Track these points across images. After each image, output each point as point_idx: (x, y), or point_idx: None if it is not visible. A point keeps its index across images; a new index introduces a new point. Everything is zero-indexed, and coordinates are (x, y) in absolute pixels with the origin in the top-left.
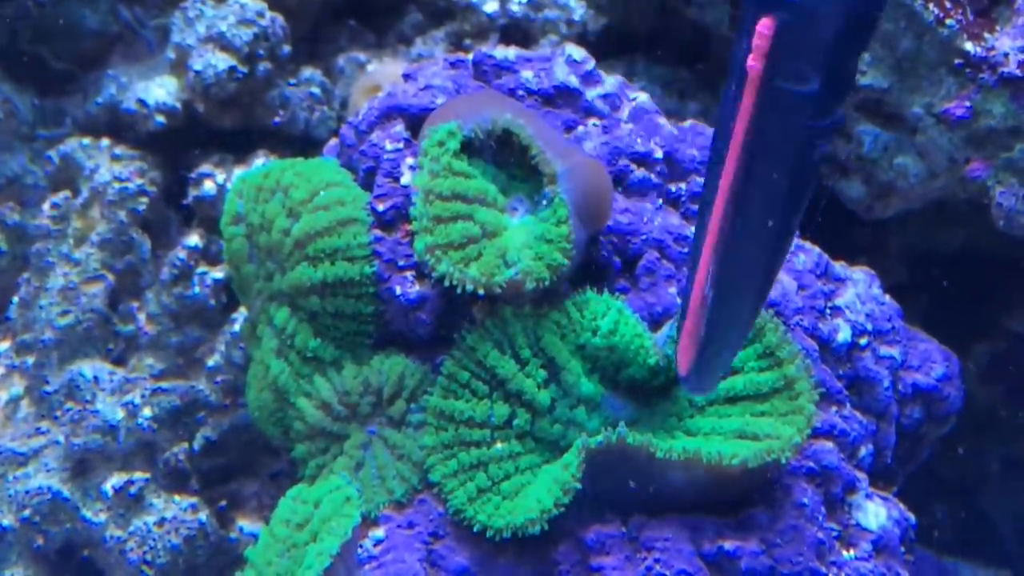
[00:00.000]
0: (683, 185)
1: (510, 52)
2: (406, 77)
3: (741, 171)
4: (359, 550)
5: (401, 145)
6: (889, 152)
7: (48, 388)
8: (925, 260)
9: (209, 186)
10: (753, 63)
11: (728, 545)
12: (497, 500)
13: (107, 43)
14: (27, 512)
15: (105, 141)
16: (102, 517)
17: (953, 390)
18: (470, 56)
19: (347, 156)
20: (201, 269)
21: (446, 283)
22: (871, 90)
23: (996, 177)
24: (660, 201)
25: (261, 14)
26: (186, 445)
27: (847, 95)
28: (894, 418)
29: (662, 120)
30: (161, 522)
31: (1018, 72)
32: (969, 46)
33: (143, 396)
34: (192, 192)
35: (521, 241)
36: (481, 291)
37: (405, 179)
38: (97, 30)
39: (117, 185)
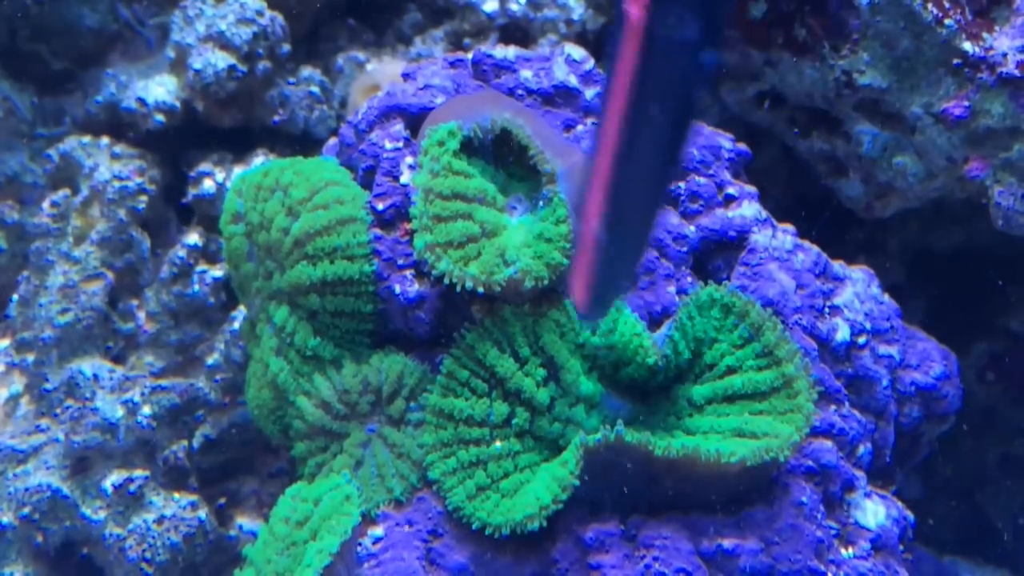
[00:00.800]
0: (682, 184)
1: (509, 51)
2: (405, 76)
3: (626, 115)
4: (358, 548)
5: (400, 144)
6: (888, 152)
7: (48, 386)
8: (924, 259)
9: (208, 185)
10: (633, 10)
11: (727, 543)
12: (496, 498)
13: (106, 42)
14: (27, 510)
15: (104, 140)
16: (101, 515)
17: (952, 389)
18: (469, 55)
19: (346, 155)
20: (200, 267)
21: (446, 281)
22: (870, 89)
23: (995, 177)
24: None
25: (261, 13)
26: (185, 443)
27: (722, 37)
28: (893, 417)
29: None
30: (160, 520)
31: (1016, 72)
32: (968, 46)
33: (142, 394)
34: (191, 191)
35: (520, 240)
36: (480, 289)
37: (404, 178)
38: (96, 28)
39: (117, 184)
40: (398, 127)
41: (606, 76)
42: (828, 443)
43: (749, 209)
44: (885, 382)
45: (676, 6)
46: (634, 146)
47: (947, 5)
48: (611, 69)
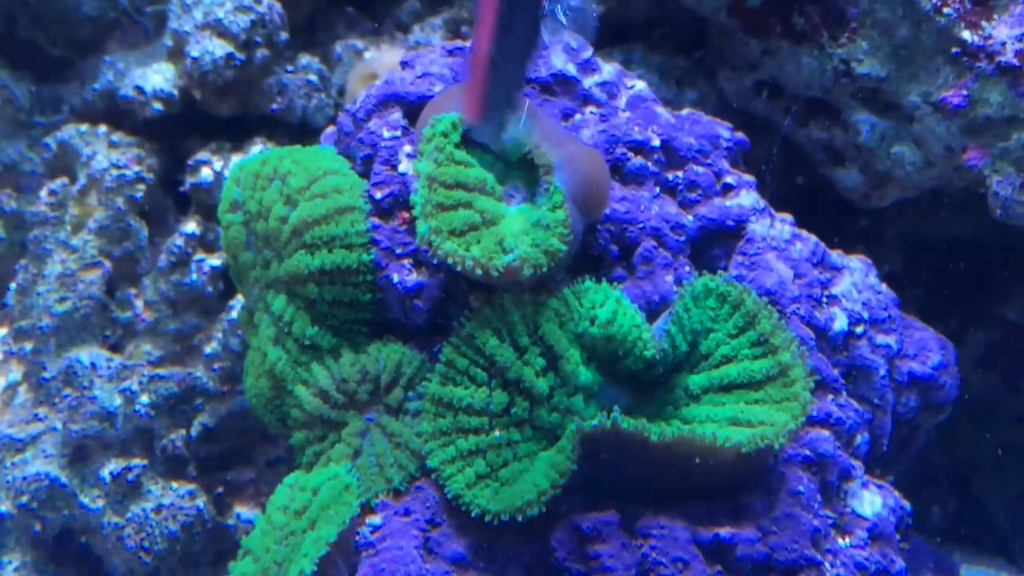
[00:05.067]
0: (680, 173)
1: None
2: (404, 65)
3: None
4: (356, 537)
5: (399, 133)
6: (886, 141)
7: (46, 375)
8: (921, 249)
9: (206, 173)
10: None
11: (724, 532)
12: (495, 486)
13: (104, 29)
14: (25, 498)
15: (102, 128)
16: (100, 504)
17: (949, 378)
18: (468, 43)
19: (345, 144)
20: (198, 256)
21: (449, 261)
22: (868, 79)
23: (993, 166)
24: (657, 189)
25: (259, 0)
26: (183, 432)
27: None
28: (890, 406)
29: (660, 108)
30: (158, 509)
31: (1015, 61)
32: (967, 35)
33: (140, 383)
34: (189, 179)
35: (518, 228)
36: (479, 272)
37: (403, 167)
38: (94, 16)
39: (114, 172)
40: (396, 116)
41: None
42: (825, 432)
43: (747, 198)
44: (883, 372)
45: None
46: None
47: None
48: None
